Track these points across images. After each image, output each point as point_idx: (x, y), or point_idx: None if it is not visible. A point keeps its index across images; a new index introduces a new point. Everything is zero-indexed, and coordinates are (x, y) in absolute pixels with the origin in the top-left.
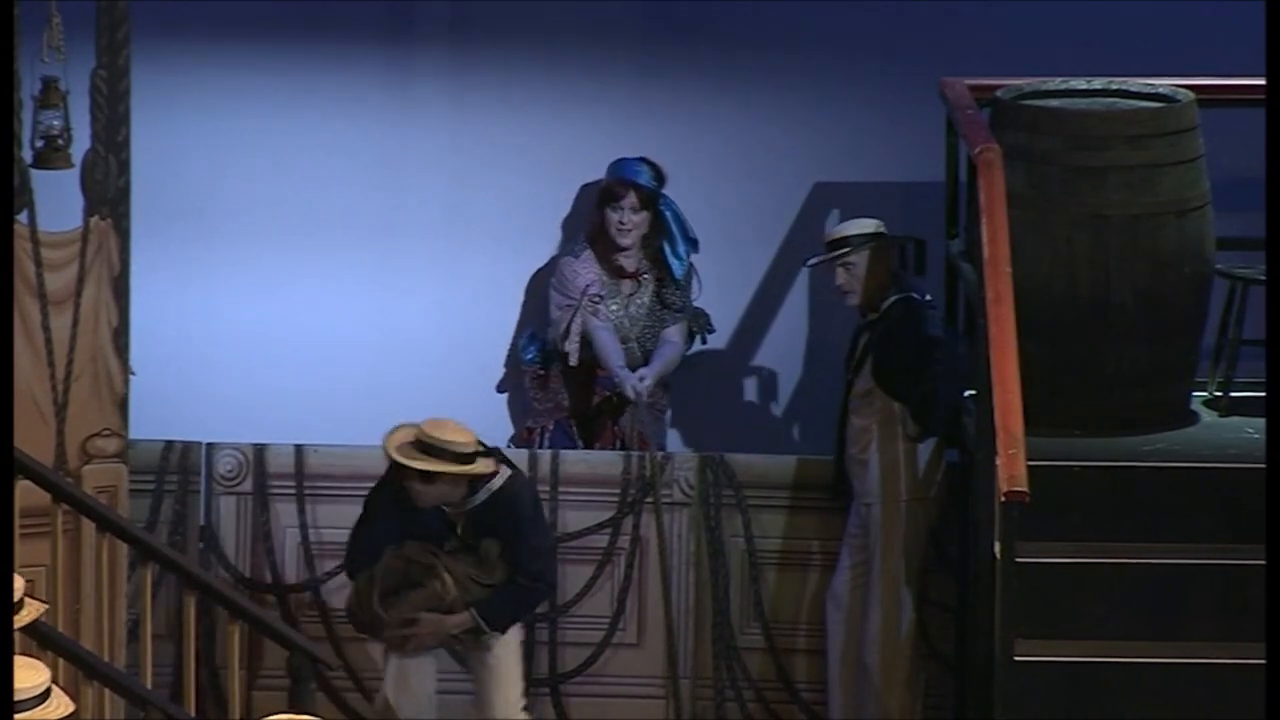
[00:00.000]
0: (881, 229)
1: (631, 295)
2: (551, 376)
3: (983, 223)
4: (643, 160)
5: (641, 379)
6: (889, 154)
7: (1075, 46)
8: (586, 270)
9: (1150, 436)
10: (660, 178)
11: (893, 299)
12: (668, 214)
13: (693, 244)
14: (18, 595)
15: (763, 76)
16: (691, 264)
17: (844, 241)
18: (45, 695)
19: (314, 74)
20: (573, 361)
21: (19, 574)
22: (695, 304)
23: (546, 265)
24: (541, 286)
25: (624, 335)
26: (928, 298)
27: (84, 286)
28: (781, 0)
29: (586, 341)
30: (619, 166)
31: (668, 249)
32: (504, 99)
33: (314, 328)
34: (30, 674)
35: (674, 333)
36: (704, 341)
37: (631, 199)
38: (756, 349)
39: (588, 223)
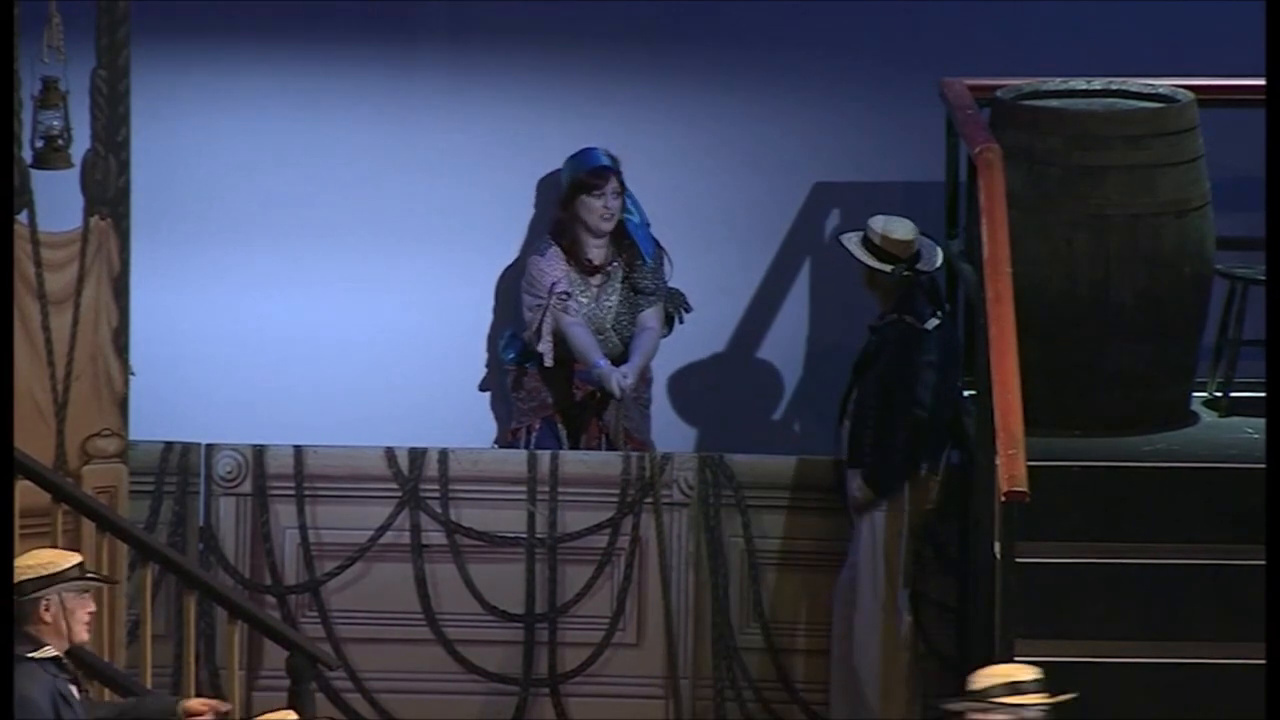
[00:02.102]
0: (902, 240)
1: (601, 286)
2: (531, 375)
3: (983, 223)
4: (596, 149)
5: (625, 376)
6: (889, 154)
7: (1075, 46)
8: (553, 268)
9: (1150, 436)
10: (616, 162)
11: (890, 319)
12: (627, 200)
13: (646, 226)
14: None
15: (763, 76)
16: (660, 245)
17: (866, 240)
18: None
19: (314, 74)
20: (547, 362)
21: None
22: (670, 285)
23: (516, 262)
24: (514, 282)
25: (599, 326)
26: (933, 322)
27: (84, 286)
28: (781, 0)
29: (560, 340)
30: (585, 158)
31: (630, 232)
32: (503, 99)
33: (313, 328)
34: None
35: (650, 317)
36: (681, 321)
37: (614, 185)
38: (756, 349)
39: (553, 220)
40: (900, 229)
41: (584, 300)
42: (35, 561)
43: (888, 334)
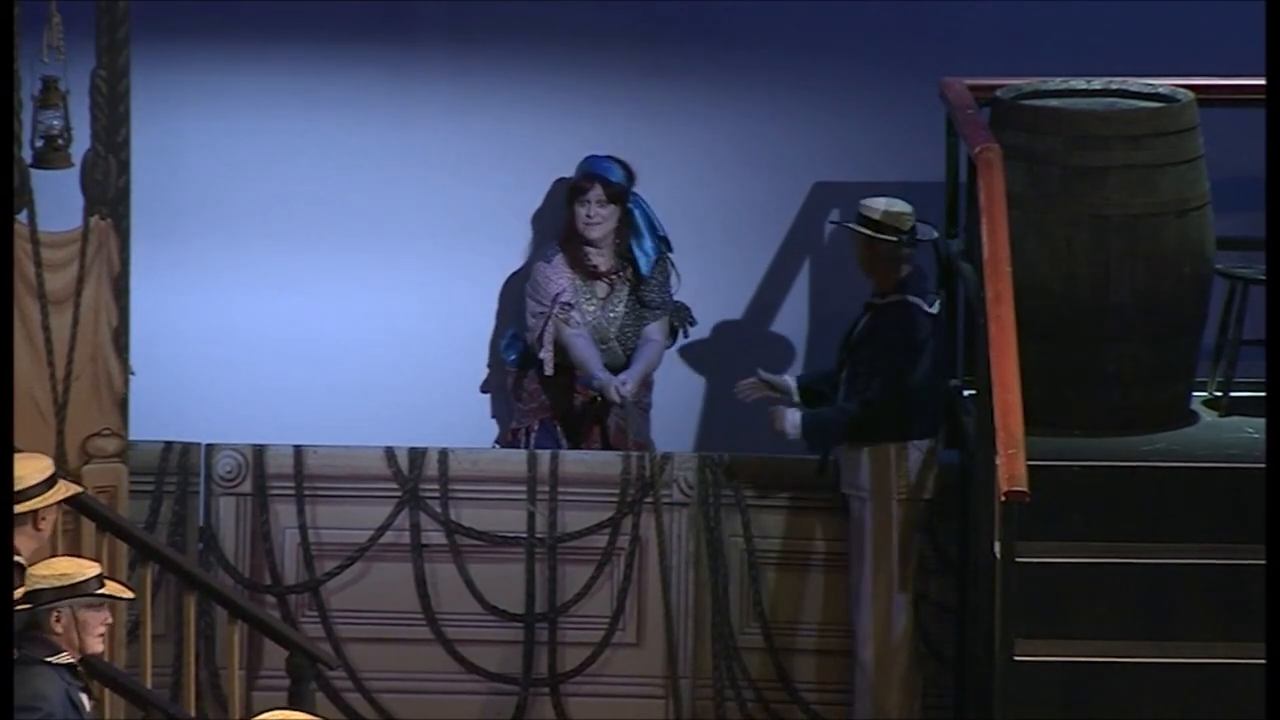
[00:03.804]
0: (899, 212)
1: (607, 296)
2: (531, 379)
3: (983, 223)
4: (612, 159)
5: (624, 383)
6: (889, 154)
7: (1075, 46)
8: (558, 275)
9: (1150, 436)
10: (630, 177)
11: (892, 299)
12: (636, 212)
13: (664, 242)
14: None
15: (763, 76)
16: (668, 258)
17: (861, 218)
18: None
19: (314, 74)
20: (548, 371)
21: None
22: (675, 299)
23: (523, 267)
24: (520, 286)
25: (603, 336)
26: (933, 308)
27: (84, 286)
28: (781, 0)
29: (561, 349)
30: (588, 163)
31: (635, 246)
32: (504, 99)
33: (313, 328)
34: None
35: (654, 330)
36: (686, 335)
37: (598, 192)
38: (756, 348)
39: (561, 224)
40: (900, 204)
41: (590, 309)
42: (51, 571)
43: (888, 314)
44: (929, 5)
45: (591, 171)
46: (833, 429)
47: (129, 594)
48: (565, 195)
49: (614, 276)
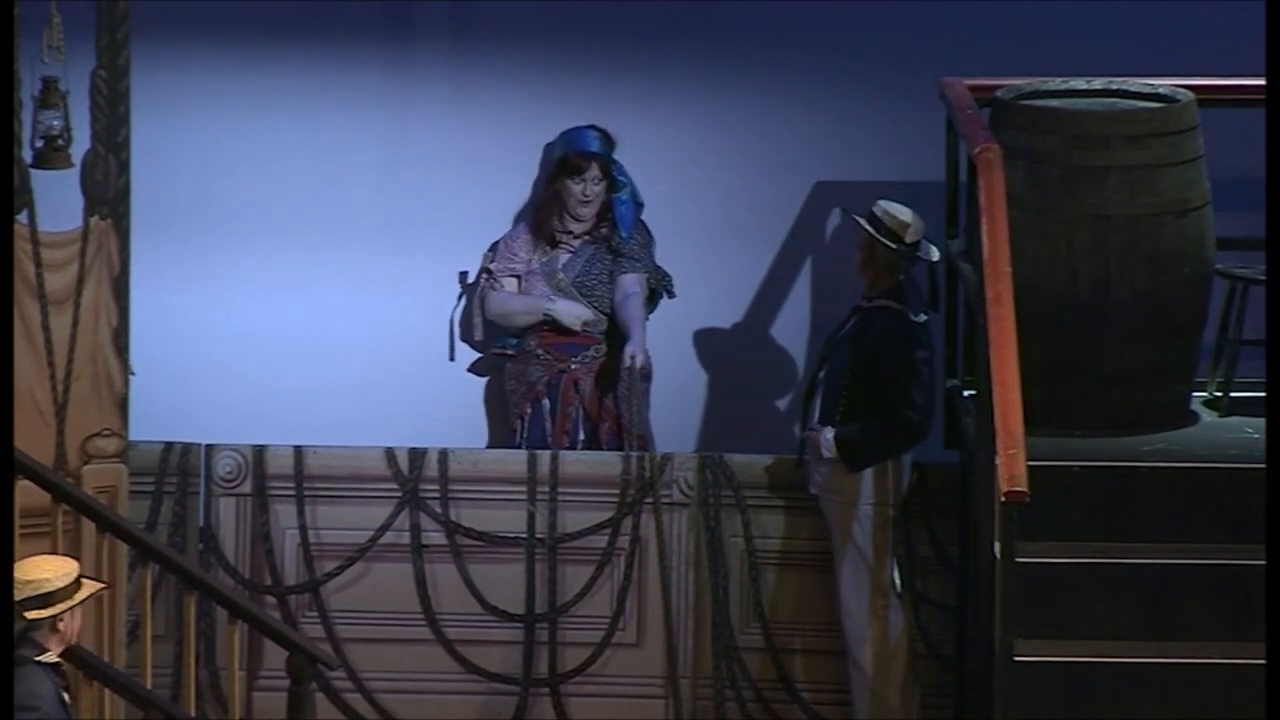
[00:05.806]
0: (908, 223)
1: (575, 252)
2: (518, 357)
3: (983, 223)
4: (591, 128)
5: (634, 355)
6: (889, 154)
7: (1075, 46)
8: (512, 243)
9: (1150, 436)
10: (611, 143)
11: (879, 303)
12: (621, 179)
13: (639, 207)
14: (72, 577)
15: (764, 76)
16: (643, 223)
17: (870, 215)
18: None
19: (314, 74)
20: (478, 336)
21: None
22: (656, 264)
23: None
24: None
25: (557, 285)
26: (922, 317)
27: (84, 286)
28: (781, 0)
29: (506, 316)
30: (574, 138)
31: (617, 201)
32: (503, 99)
33: (313, 328)
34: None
35: (632, 282)
36: (671, 295)
37: (594, 170)
38: (757, 348)
39: (540, 193)
40: (911, 215)
41: (542, 258)
42: (60, 571)
43: (874, 318)
44: (929, 5)
45: (589, 150)
46: (869, 444)
47: (103, 584)
48: (553, 169)
49: (586, 235)
